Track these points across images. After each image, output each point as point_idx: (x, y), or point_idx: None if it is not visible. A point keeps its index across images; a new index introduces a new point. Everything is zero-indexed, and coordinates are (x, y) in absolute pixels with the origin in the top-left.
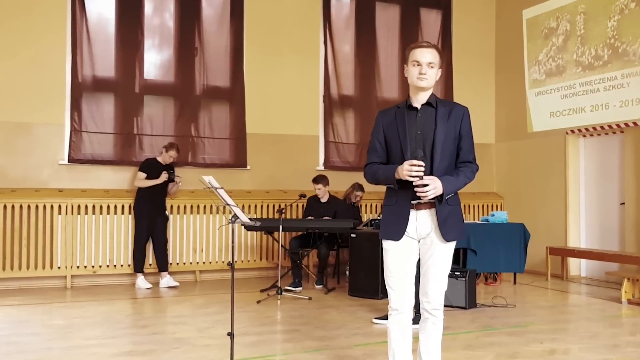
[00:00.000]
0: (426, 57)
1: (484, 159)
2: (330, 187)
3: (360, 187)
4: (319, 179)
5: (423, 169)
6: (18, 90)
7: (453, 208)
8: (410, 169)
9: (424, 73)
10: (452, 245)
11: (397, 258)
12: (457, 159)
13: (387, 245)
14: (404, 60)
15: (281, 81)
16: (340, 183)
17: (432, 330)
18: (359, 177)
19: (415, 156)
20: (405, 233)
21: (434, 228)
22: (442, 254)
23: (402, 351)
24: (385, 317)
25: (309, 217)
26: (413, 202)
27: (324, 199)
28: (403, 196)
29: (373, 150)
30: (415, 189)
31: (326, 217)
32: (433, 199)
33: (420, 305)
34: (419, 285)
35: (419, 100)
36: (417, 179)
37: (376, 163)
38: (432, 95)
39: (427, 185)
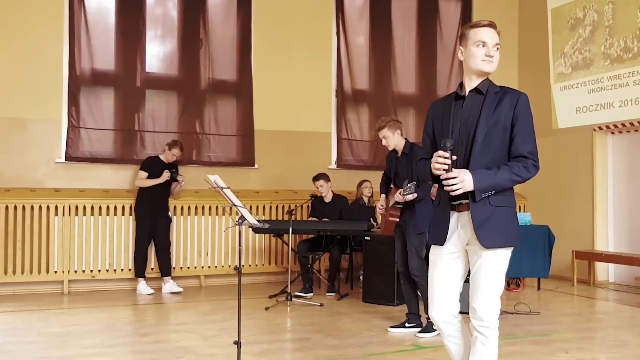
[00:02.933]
0: (493, 37)
1: None
2: (344, 187)
3: (364, 181)
4: (319, 176)
5: (448, 160)
6: (12, 84)
7: (497, 210)
8: (436, 160)
9: (492, 55)
10: (499, 253)
11: (442, 271)
12: (509, 154)
13: (434, 256)
14: (460, 42)
15: (291, 75)
16: (353, 183)
17: (482, 350)
18: (373, 176)
19: (443, 145)
20: (450, 239)
21: (472, 232)
22: (487, 263)
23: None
24: (401, 325)
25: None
26: (453, 202)
27: (327, 198)
28: (444, 196)
29: (424, 146)
30: (444, 182)
31: (325, 219)
32: (466, 196)
33: (470, 323)
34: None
35: (472, 87)
36: (444, 172)
37: (425, 159)
38: (486, 80)
39: (455, 177)
